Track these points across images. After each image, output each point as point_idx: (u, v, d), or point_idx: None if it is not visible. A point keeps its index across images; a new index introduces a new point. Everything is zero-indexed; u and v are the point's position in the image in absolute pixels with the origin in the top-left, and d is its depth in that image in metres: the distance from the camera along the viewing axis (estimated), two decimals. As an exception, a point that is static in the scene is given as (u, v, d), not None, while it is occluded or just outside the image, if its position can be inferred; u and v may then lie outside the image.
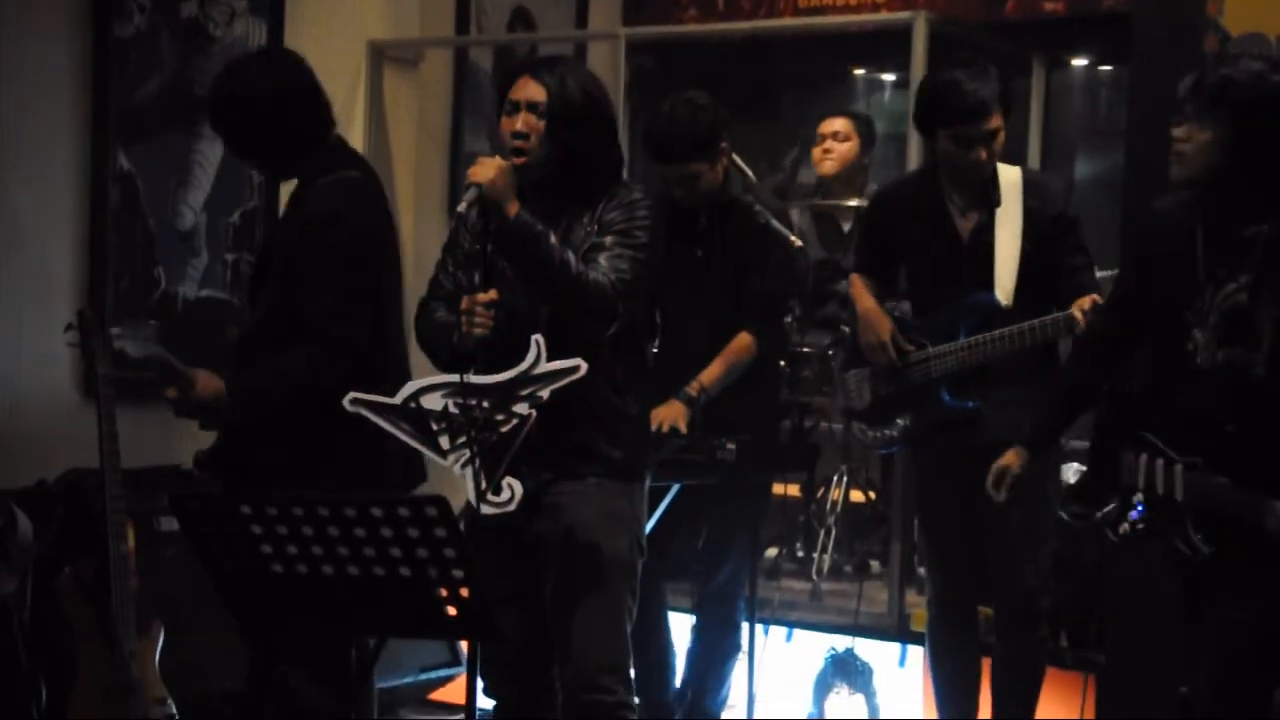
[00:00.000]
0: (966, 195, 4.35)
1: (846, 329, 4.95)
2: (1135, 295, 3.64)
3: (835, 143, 6.12)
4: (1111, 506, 3.64)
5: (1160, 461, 3.50)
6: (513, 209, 3.47)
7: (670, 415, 4.50)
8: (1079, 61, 7.12)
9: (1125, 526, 3.61)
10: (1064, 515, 3.69)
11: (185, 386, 3.67)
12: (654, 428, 4.36)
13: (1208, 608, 3.42)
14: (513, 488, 3.45)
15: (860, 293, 4.56)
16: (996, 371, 4.30)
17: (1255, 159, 3.32)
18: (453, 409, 3.47)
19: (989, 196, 4.33)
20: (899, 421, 4.49)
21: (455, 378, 3.45)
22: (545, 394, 3.44)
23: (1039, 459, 3.96)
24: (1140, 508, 3.58)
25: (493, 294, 3.49)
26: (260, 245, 3.95)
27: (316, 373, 3.70)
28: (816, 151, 6.19)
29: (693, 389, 4.57)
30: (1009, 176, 4.35)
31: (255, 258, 3.99)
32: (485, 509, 3.44)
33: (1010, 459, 3.94)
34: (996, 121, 4.23)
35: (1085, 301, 4.14)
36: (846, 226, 6.10)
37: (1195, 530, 3.41)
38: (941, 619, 4.47)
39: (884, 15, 6.64)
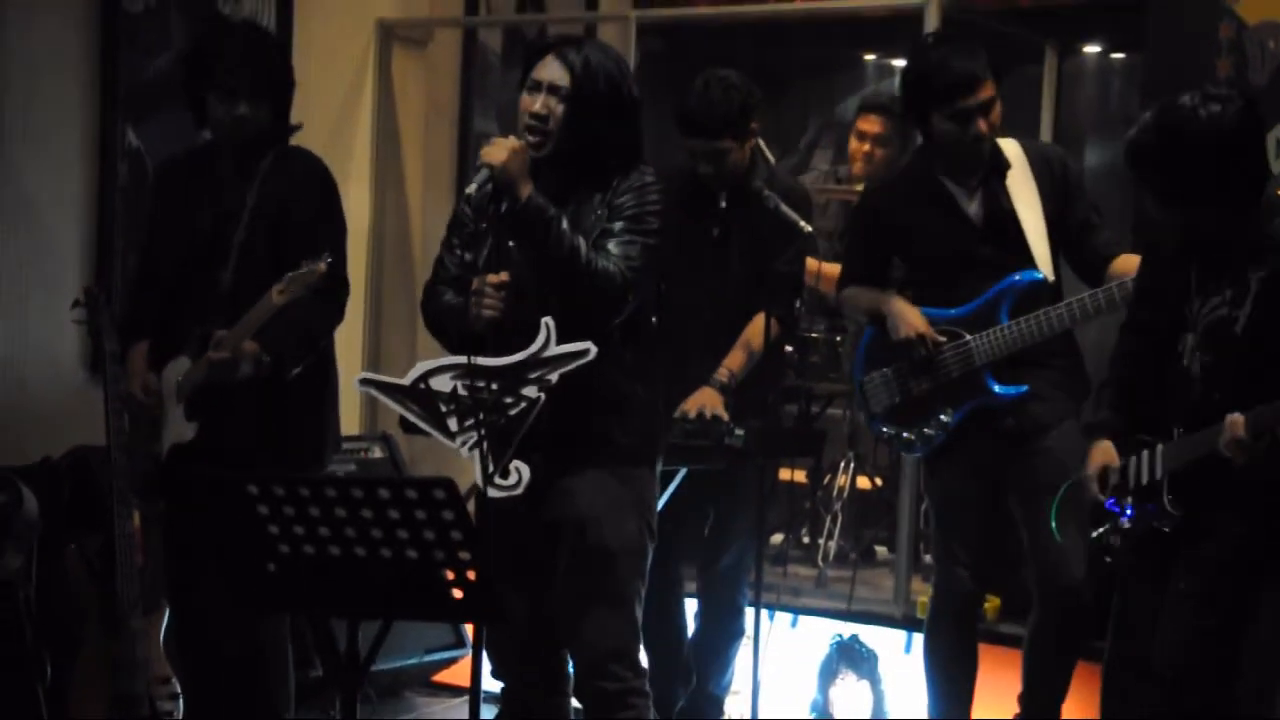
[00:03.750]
0: (967, 176, 4.24)
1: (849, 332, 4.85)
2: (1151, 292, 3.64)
3: (877, 147, 6.01)
4: (1102, 529, 3.65)
5: (1145, 453, 3.53)
6: (525, 191, 3.44)
7: (707, 402, 4.47)
8: (1091, 49, 7.09)
9: (1114, 538, 3.62)
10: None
11: (237, 349, 3.84)
12: (693, 414, 4.38)
13: (1178, 579, 3.50)
14: (520, 471, 3.44)
15: (870, 295, 4.39)
16: (1031, 355, 4.18)
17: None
18: (461, 391, 3.45)
19: (996, 168, 4.21)
20: (942, 418, 4.30)
21: (464, 360, 3.44)
22: (554, 377, 3.43)
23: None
24: (1130, 511, 3.59)
25: (504, 276, 3.48)
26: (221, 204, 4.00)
27: (333, 330, 4.06)
28: (855, 148, 6.08)
29: (722, 375, 4.54)
30: (1009, 149, 4.24)
31: (216, 216, 4.03)
32: (492, 492, 3.43)
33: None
34: (989, 91, 4.11)
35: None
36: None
37: (1168, 494, 3.50)
38: (947, 612, 4.37)
39: (896, 0, 6.59)
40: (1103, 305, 4.08)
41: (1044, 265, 4.19)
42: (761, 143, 4.78)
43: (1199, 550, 3.51)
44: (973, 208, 4.26)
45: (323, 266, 3.80)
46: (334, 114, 6.31)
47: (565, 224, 3.45)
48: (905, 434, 4.39)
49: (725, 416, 4.43)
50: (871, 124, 6.02)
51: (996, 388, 4.22)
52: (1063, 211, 4.23)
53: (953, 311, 4.27)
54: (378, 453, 5.57)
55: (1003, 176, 4.23)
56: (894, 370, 4.37)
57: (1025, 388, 4.20)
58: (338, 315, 4.08)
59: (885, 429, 4.45)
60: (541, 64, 3.56)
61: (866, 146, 6.00)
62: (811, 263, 4.77)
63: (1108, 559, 3.67)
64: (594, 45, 3.67)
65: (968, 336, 4.24)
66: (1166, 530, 3.54)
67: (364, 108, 6.44)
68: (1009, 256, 4.20)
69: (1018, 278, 4.18)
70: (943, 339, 4.26)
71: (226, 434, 3.95)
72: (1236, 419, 3.28)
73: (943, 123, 4.14)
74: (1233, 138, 3.32)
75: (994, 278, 4.21)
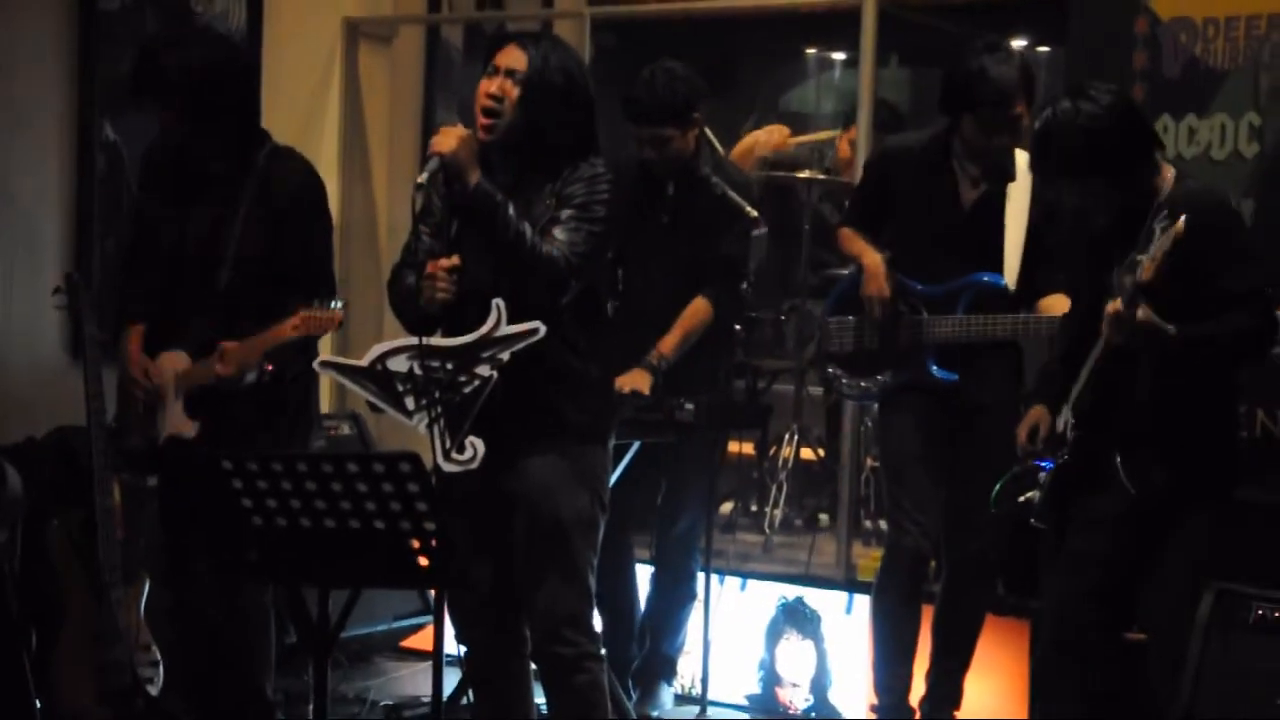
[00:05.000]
0: (977, 168, 4.30)
1: (837, 272, 4.89)
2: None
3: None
4: (1028, 493, 3.73)
5: (1066, 407, 3.64)
6: (473, 178, 3.48)
7: (634, 381, 4.53)
8: (1018, 43, 7.10)
9: (1035, 493, 3.70)
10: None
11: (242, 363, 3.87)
12: (626, 390, 4.40)
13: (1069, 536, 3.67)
14: (475, 446, 3.47)
15: (860, 245, 4.45)
16: (980, 344, 4.30)
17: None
18: (417, 371, 3.48)
19: (1002, 171, 4.29)
20: (879, 378, 4.42)
21: (419, 340, 3.47)
22: (506, 356, 3.46)
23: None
24: (1048, 463, 3.67)
25: (454, 260, 3.51)
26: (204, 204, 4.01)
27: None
28: (844, 145, 6.14)
29: (653, 357, 4.60)
30: (1021, 159, 4.29)
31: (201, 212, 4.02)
32: (448, 466, 3.46)
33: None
34: (1020, 108, 4.18)
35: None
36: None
37: (1071, 420, 3.66)
38: (896, 570, 4.40)
39: (835, -4, 6.65)
40: (1042, 329, 4.21)
41: (1010, 275, 4.29)
42: (708, 131, 4.82)
43: (1088, 507, 3.62)
44: (970, 197, 4.32)
45: (340, 314, 3.81)
46: (302, 108, 6.31)
47: (511, 210, 3.48)
48: (845, 380, 4.51)
49: (646, 393, 4.49)
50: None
51: (934, 369, 4.32)
52: (1042, 236, 4.32)
53: (920, 286, 4.35)
54: (347, 430, 5.60)
55: (1006, 181, 4.30)
56: (855, 321, 4.45)
57: (957, 376, 4.30)
58: None
59: (830, 369, 4.56)
60: (503, 51, 3.59)
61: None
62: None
63: (1032, 520, 3.74)
64: (556, 42, 3.70)
65: (925, 314, 4.32)
66: (1067, 460, 3.64)
67: (331, 102, 6.45)
68: (984, 253, 4.29)
69: (985, 278, 4.28)
70: (904, 309, 4.34)
71: (224, 424, 3.97)
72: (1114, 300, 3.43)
73: (970, 125, 4.21)
74: (1104, 120, 3.48)
75: (967, 266, 4.30)
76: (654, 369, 4.58)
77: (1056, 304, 4.21)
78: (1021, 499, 3.78)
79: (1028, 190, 4.29)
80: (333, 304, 3.81)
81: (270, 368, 3.90)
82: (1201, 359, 3.50)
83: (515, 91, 3.54)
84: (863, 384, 4.47)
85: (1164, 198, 3.54)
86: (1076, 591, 3.65)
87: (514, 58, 3.56)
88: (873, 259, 4.39)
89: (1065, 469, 3.67)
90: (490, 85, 3.56)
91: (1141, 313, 3.38)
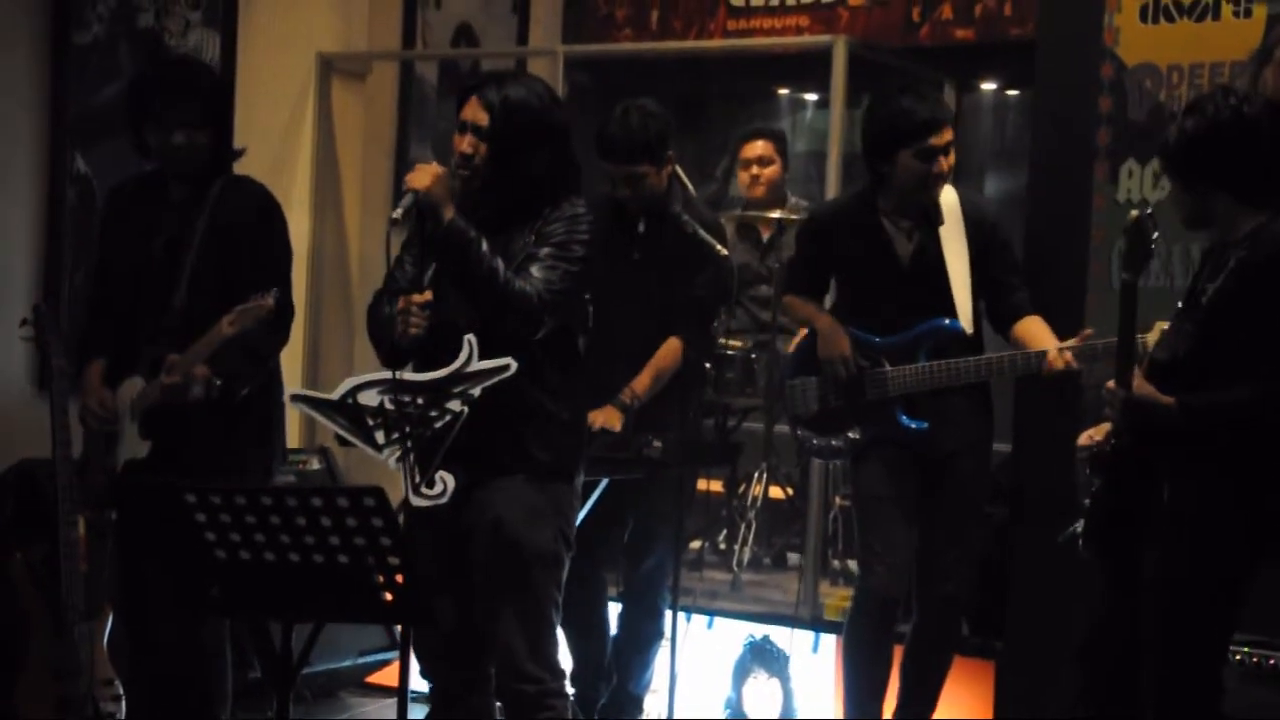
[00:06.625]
0: (907, 217, 4.33)
1: (790, 338, 4.91)
2: None
3: (761, 168, 6.14)
4: (1071, 529, 3.68)
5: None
6: (448, 214, 3.47)
7: (606, 418, 4.51)
8: (988, 85, 7.19)
9: (1078, 524, 3.63)
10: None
11: (188, 374, 3.84)
12: (596, 428, 4.38)
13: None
14: (445, 481, 3.45)
15: (809, 309, 4.50)
16: (948, 389, 4.28)
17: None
18: (388, 405, 3.46)
19: (930, 218, 4.31)
20: (849, 435, 4.41)
21: (391, 374, 3.45)
22: (477, 392, 3.45)
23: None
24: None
25: (427, 295, 3.50)
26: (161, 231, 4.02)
27: (279, 351, 4.07)
28: (744, 176, 6.18)
29: (626, 396, 4.58)
30: (947, 198, 4.34)
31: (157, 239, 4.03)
32: (418, 501, 3.44)
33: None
34: (950, 134, 4.26)
35: (1070, 343, 4.12)
36: (766, 235, 6.13)
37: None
38: (867, 613, 4.38)
39: (806, 38, 6.67)
40: (1009, 369, 4.23)
41: (964, 314, 4.30)
42: (680, 171, 4.82)
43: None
44: (905, 250, 4.34)
45: (270, 302, 3.81)
46: (276, 143, 6.29)
47: (485, 246, 3.48)
48: (815, 440, 4.51)
49: (617, 429, 4.49)
50: (752, 149, 6.12)
51: (903, 419, 4.32)
52: (986, 268, 4.33)
53: (878, 339, 4.36)
54: (316, 465, 5.56)
55: (935, 226, 4.30)
56: (818, 381, 4.45)
57: (927, 424, 4.29)
58: (284, 337, 4.08)
59: (800, 432, 4.57)
60: (466, 105, 3.61)
61: (754, 169, 6.09)
62: None
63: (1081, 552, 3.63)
64: (517, 81, 3.68)
65: (887, 367, 4.32)
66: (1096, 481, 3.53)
67: (305, 137, 6.43)
68: (933, 300, 4.30)
69: (945, 323, 4.29)
70: (865, 363, 4.34)
71: (179, 452, 3.93)
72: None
73: (910, 160, 4.22)
74: (1263, 131, 3.38)
75: (918, 315, 4.31)
76: (626, 408, 4.57)
77: (1034, 326, 4.24)
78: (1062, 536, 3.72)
79: (961, 229, 4.30)
80: (267, 297, 3.82)
81: (219, 381, 3.87)
82: (1208, 432, 3.33)
83: (484, 147, 3.56)
84: (834, 442, 4.46)
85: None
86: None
87: (476, 113, 3.58)
88: (824, 320, 4.43)
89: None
90: (461, 143, 3.58)
91: (1138, 386, 3.36)
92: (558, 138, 3.64)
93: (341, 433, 3.54)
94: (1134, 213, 3.41)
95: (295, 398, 3.61)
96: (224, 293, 3.89)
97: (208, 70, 4.35)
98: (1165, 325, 3.56)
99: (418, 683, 3.92)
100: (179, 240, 3.99)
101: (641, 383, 4.62)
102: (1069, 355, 4.12)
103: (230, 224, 3.98)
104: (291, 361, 5.87)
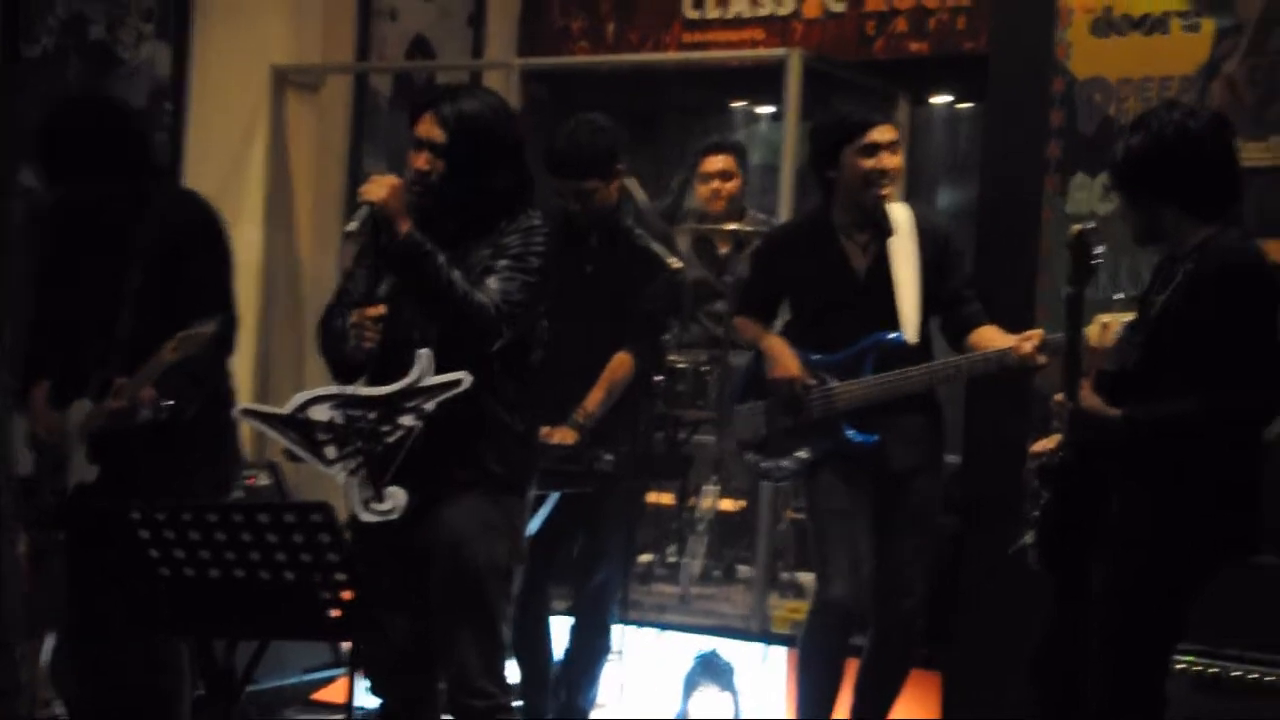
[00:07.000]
0: (861, 229, 4.34)
1: (734, 361, 4.91)
2: None
3: (722, 183, 6.10)
4: (1021, 540, 3.69)
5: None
6: (404, 227, 3.46)
7: (561, 438, 4.50)
8: (941, 99, 7.21)
9: (1028, 535, 3.64)
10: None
11: (135, 397, 3.77)
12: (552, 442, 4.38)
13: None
14: (395, 497, 3.43)
15: (757, 330, 4.50)
16: (897, 404, 4.28)
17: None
18: (339, 420, 3.44)
19: (882, 227, 4.32)
20: (798, 455, 4.40)
21: (342, 389, 3.43)
22: (430, 406, 3.43)
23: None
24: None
25: (381, 309, 3.48)
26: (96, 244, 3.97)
27: (223, 366, 4.00)
28: (704, 190, 6.13)
29: (580, 415, 4.56)
30: (899, 214, 4.35)
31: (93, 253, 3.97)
32: (367, 516, 3.42)
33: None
34: (893, 132, 4.29)
35: (1033, 335, 4.13)
36: (723, 249, 6.11)
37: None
38: (824, 625, 4.37)
39: (761, 51, 6.68)
40: (953, 374, 4.26)
41: (908, 327, 4.30)
42: (631, 182, 4.81)
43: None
44: (861, 264, 4.36)
45: (212, 329, 3.77)
46: (229, 155, 6.26)
47: (441, 258, 3.46)
48: (764, 464, 4.50)
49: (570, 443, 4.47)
50: (713, 163, 6.08)
51: (850, 433, 4.32)
52: (938, 281, 4.34)
53: (819, 357, 4.36)
54: (264, 480, 5.52)
55: (885, 238, 4.32)
56: (765, 405, 4.45)
57: (876, 437, 4.29)
58: (227, 352, 4.04)
59: (748, 456, 4.54)
60: (421, 121, 3.59)
61: (715, 184, 6.06)
62: None
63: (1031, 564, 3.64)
64: (471, 95, 3.68)
65: (834, 383, 4.32)
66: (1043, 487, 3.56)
67: (258, 149, 6.38)
68: (879, 313, 4.30)
69: (888, 335, 4.30)
70: (813, 382, 4.34)
71: (129, 474, 3.89)
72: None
73: (854, 158, 4.24)
74: (1208, 144, 3.40)
75: (866, 329, 4.31)
76: (580, 427, 4.56)
77: (989, 331, 4.26)
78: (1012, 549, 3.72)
79: (914, 242, 4.31)
80: (209, 324, 3.78)
81: (166, 403, 3.83)
82: (1154, 444, 3.35)
83: (440, 164, 3.55)
84: (783, 464, 4.43)
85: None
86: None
87: (431, 130, 3.57)
88: (772, 341, 4.44)
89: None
90: (417, 160, 3.57)
91: (1085, 397, 3.37)
92: (513, 152, 3.63)
93: (292, 448, 3.51)
94: (1076, 227, 3.44)
95: (245, 412, 3.59)
96: (168, 312, 3.84)
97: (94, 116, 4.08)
98: (1105, 319, 3.58)
99: (364, 699, 3.90)
100: (120, 261, 3.93)
101: (594, 399, 4.60)
102: (1032, 343, 4.11)
103: (171, 243, 3.92)
104: (241, 377, 5.82)
